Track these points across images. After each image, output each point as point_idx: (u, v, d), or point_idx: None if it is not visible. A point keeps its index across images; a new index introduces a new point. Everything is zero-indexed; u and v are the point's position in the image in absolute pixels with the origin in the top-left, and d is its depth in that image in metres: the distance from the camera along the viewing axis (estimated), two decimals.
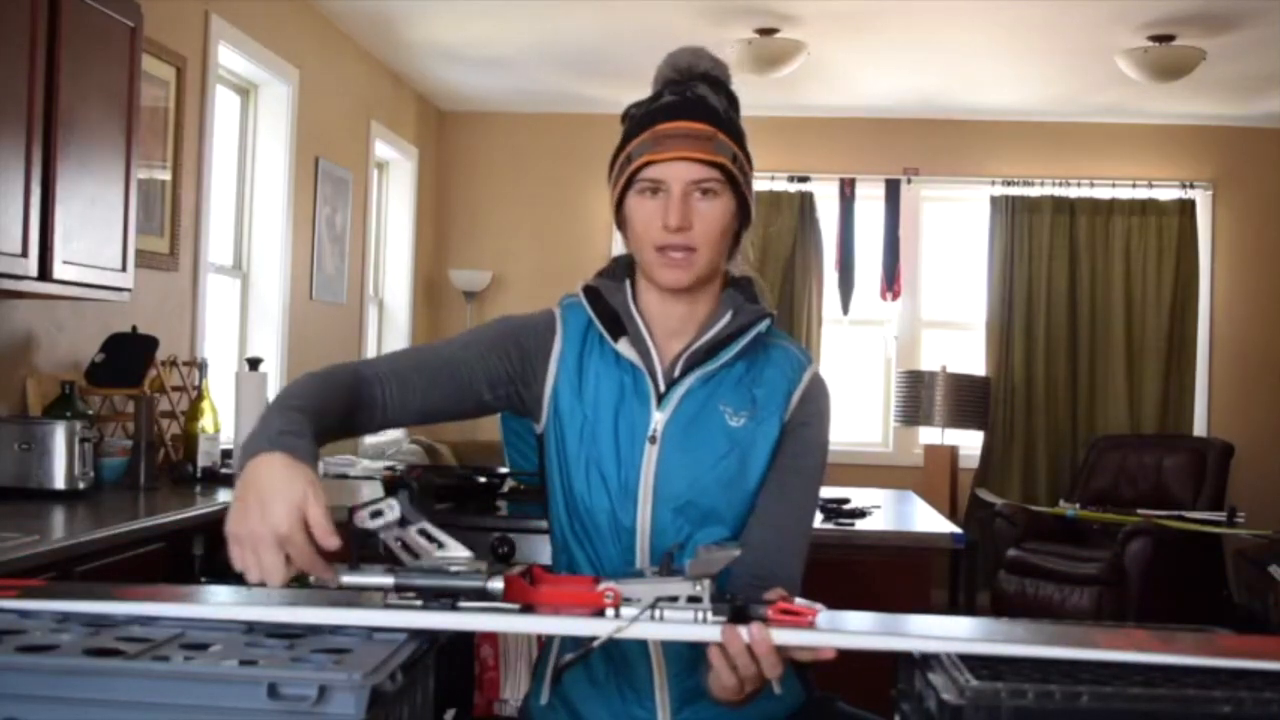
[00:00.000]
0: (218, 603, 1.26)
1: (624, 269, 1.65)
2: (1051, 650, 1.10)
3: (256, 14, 4.51)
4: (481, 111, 6.90)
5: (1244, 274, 6.64)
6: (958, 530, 2.98)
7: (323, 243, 5.22)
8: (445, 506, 2.98)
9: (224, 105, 4.48)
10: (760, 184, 6.45)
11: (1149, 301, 6.56)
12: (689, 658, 1.52)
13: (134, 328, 3.50)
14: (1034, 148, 6.69)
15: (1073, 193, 6.62)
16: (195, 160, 4.10)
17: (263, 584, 1.22)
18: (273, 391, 4.11)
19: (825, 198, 6.72)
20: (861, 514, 3.06)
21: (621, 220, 1.60)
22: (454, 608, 1.20)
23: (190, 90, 4.02)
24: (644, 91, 1.63)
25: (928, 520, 3.18)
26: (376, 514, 1.23)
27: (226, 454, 3.59)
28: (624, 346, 1.58)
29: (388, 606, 1.19)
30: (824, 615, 1.24)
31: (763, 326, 1.59)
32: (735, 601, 1.24)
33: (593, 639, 1.24)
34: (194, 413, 3.58)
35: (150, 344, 3.47)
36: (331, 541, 1.22)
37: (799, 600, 1.27)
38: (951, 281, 6.90)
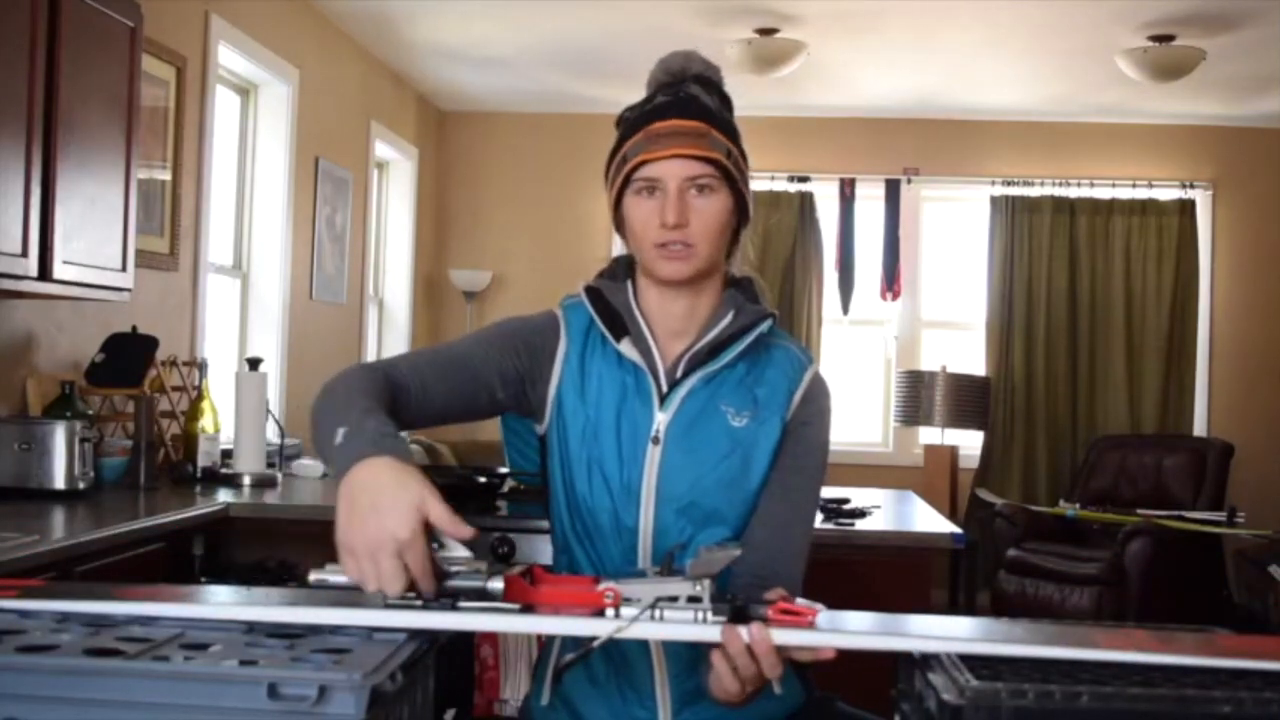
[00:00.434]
0: (218, 603, 1.25)
1: (625, 269, 1.65)
2: (1051, 650, 1.10)
3: (256, 14, 4.52)
4: (481, 111, 6.90)
5: (1244, 274, 6.64)
6: (958, 530, 2.98)
7: (323, 243, 5.22)
8: None
9: (224, 105, 4.48)
10: (760, 184, 6.48)
11: (1149, 301, 6.56)
12: (689, 658, 1.52)
13: (134, 328, 3.50)
14: (1034, 148, 6.69)
15: (1073, 193, 6.62)
16: (195, 160, 4.10)
17: (379, 594, 1.18)
18: (273, 391, 4.11)
19: (825, 198, 6.72)
20: (861, 514, 3.06)
21: (620, 222, 1.61)
22: (454, 608, 1.20)
23: (190, 90, 4.02)
24: (644, 92, 1.63)
25: (928, 520, 3.18)
26: None
27: (226, 454, 3.59)
28: (626, 347, 1.58)
29: (388, 606, 1.19)
30: (824, 615, 1.24)
31: (765, 327, 1.60)
32: (735, 601, 1.24)
33: (593, 639, 1.24)
34: (194, 413, 3.59)
35: (150, 344, 3.47)
36: (465, 531, 1.20)
37: (799, 600, 1.27)
38: (951, 281, 6.90)
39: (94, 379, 3.35)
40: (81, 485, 2.97)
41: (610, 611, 1.23)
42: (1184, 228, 6.57)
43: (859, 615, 1.25)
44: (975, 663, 1.07)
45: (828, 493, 3.12)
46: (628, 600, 1.23)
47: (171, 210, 3.93)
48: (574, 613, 1.26)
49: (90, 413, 3.21)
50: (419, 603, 1.20)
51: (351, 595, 1.22)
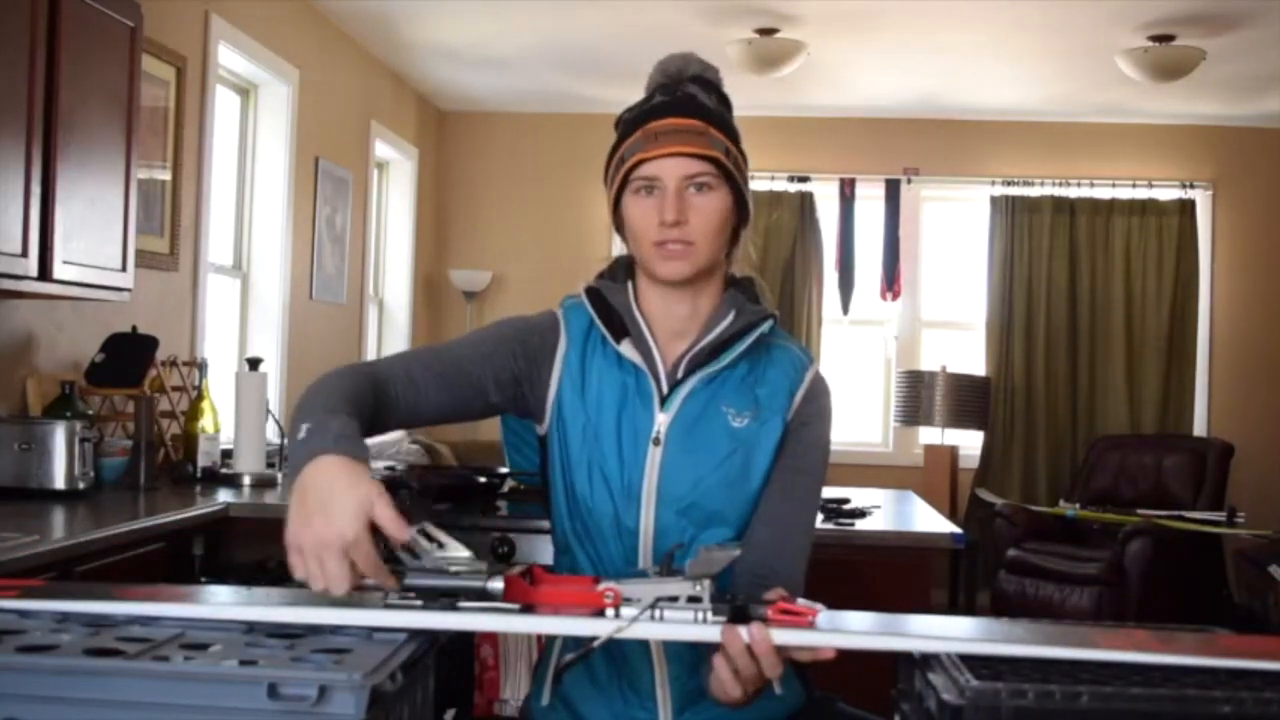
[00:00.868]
0: (218, 603, 1.26)
1: (625, 270, 1.65)
2: (1051, 650, 1.10)
3: (256, 14, 4.52)
4: (481, 111, 6.90)
5: (1244, 274, 6.64)
6: (958, 530, 2.98)
7: (323, 243, 5.22)
8: (445, 506, 2.98)
9: (224, 105, 4.48)
10: (760, 184, 6.48)
11: (1149, 301, 6.56)
12: (690, 659, 1.52)
13: (134, 328, 3.50)
14: (1034, 148, 6.69)
15: (1073, 193, 6.62)
16: (195, 160, 4.10)
17: (325, 592, 1.19)
18: (273, 391, 4.11)
19: (825, 198, 6.72)
20: (861, 514, 3.06)
21: (619, 222, 1.61)
22: (454, 608, 1.20)
23: (190, 90, 4.02)
24: (644, 93, 1.63)
25: (928, 520, 3.17)
26: None
27: (226, 454, 3.58)
28: (626, 348, 1.58)
29: (388, 606, 1.19)
30: (824, 615, 1.24)
31: (765, 327, 1.59)
32: (735, 601, 1.24)
33: (593, 639, 1.24)
34: (194, 413, 3.59)
35: (150, 344, 3.46)
36: (406, 534, 1.20)
37: (800, 600, 1.27)
38: (951, 281, 6.90)
39: (94, 379, 3.35)
40: (81, 485, 2.97)
41: (610, 611, 1.23)
42: (1184, 228, 6.56)
43: (859, 615, 1.26)
44: (975, 663, 1.07)
45: (828, 493, 3.11)
46: (628, 600, 1.23)
47: (171, 210, 3.93)
48: (574, 613, 1.26)
49: (90, 413, 3.21)
50: (419, 603, 1.20)
51: (351, 595, 1.22)
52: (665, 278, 1.56)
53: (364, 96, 5.73)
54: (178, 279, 3.99)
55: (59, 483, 2.93)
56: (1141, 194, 6.61)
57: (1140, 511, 5.60)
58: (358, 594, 1.21)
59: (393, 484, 3.10)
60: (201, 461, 3.49)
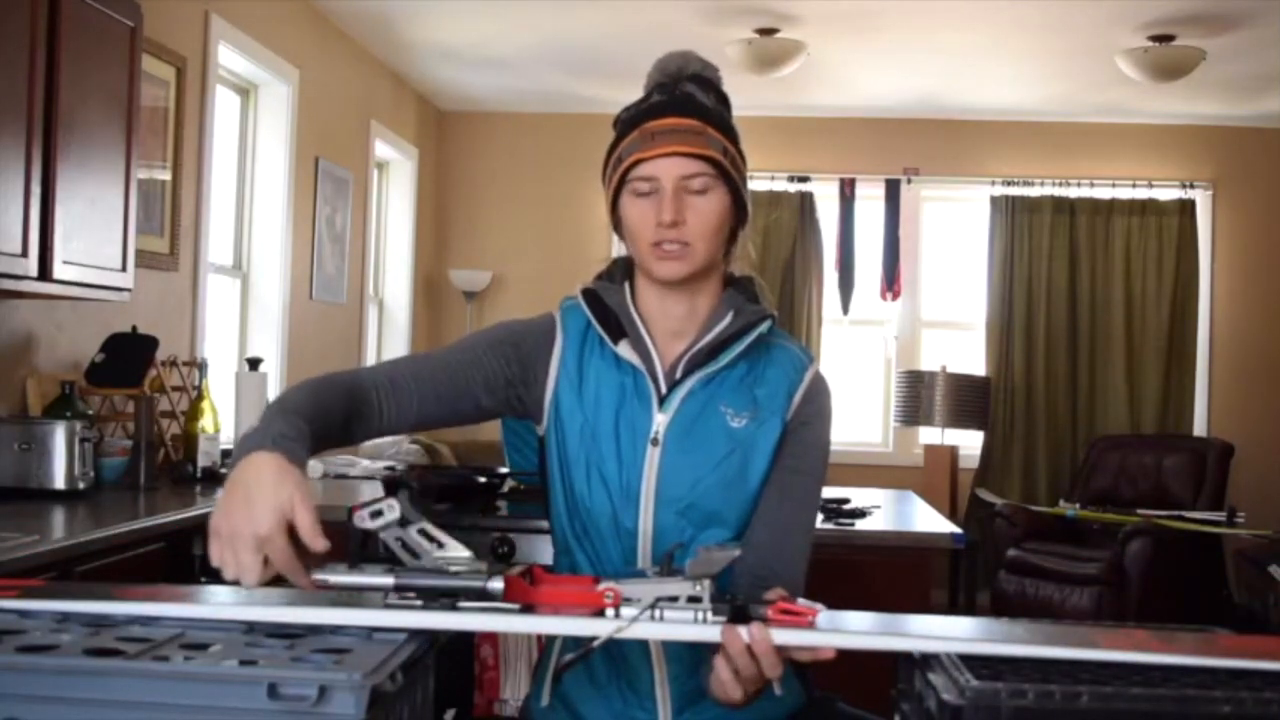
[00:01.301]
0: (218, 603, 1.25)
1: (623, 271, 1.65)
2: (1051, 650, 1.10)
3: (256, 14, 4.52)
4: (481, 111, 6.90)
5: (1244, 274, 6.64)
6: (958, 530, 2.98)
7: (323, 243, 5.22)
8: (445, 506, 2.98)
9: (224, 105, 4.48)
10: (760, 184, 6.48)
11: (1149, 301, 6.56)
12: (690, 659, 1.52)
13: (134, 328, 3.50)
14: (1034, 148, 6.69)
15: (1073, 193, 6.62)
16: (195, 160, 4.10)
17: (236, 582, 1.22)
18: (273, 392, 4.11)
19: (825, 198, 6.72)
20: (861, 514, 3.06)
21: (617, 222, 1.60)
22: (454, 608, 1.20)
23: (190, 90, 4.02)
24: (644, 92, 1.63)
25: (928, 520, 3.18)
26: (376, 514, 1.23)
27: (226, 454, 3.58)
28: (624, 349, 1.58)
29: (388, 606, 1.19)
30: (824, 615, 1.24)
31: (764, 327, 1.59)
32: (735, 601, 1.24)
33: (593, 639, 1.24)
34: (194, 413, 3.59)
35: (150, 344, 3.46)
36: (320, 543, 1.22)
37: (800, 600, 1.27)
38: (951, 281, 6.90)
39: (94, 379, 3.35)
40: (81, 485, 2.97)
41: (610, 611, 1.23)
42: (1184, 228, 6.56)
43: (859, 615, 1.25)
44: (975, 663, 1.07)
45: (828, 493, 3.11)
46: (628, 600, 1.23)
47: (171, 210, 3.93)
48: (574, 613, 1.26)
49: (90, 413, 3.21)
50: (419, 603, 1.20)
51: (351, 595, 1.22)
52: (662, 278, 1.56)
53: (364, 96, 5.73)
54: (178, 279, 3.99)
55: (59, 483, 2.93)
56: (1141, 194, 6.61)
57: (1140, 511, 5.60)
58: (357, 594, 1.22)
59: (393, 484, 3.11)
60: (201, 461, 3.49)
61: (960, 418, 6.15)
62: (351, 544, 1.23)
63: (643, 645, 1.55)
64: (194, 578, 2.83)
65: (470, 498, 3.07)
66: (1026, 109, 6.50)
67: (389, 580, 1.20)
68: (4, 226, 2.60)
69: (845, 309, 6.70)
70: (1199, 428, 6.55)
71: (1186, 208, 6.58)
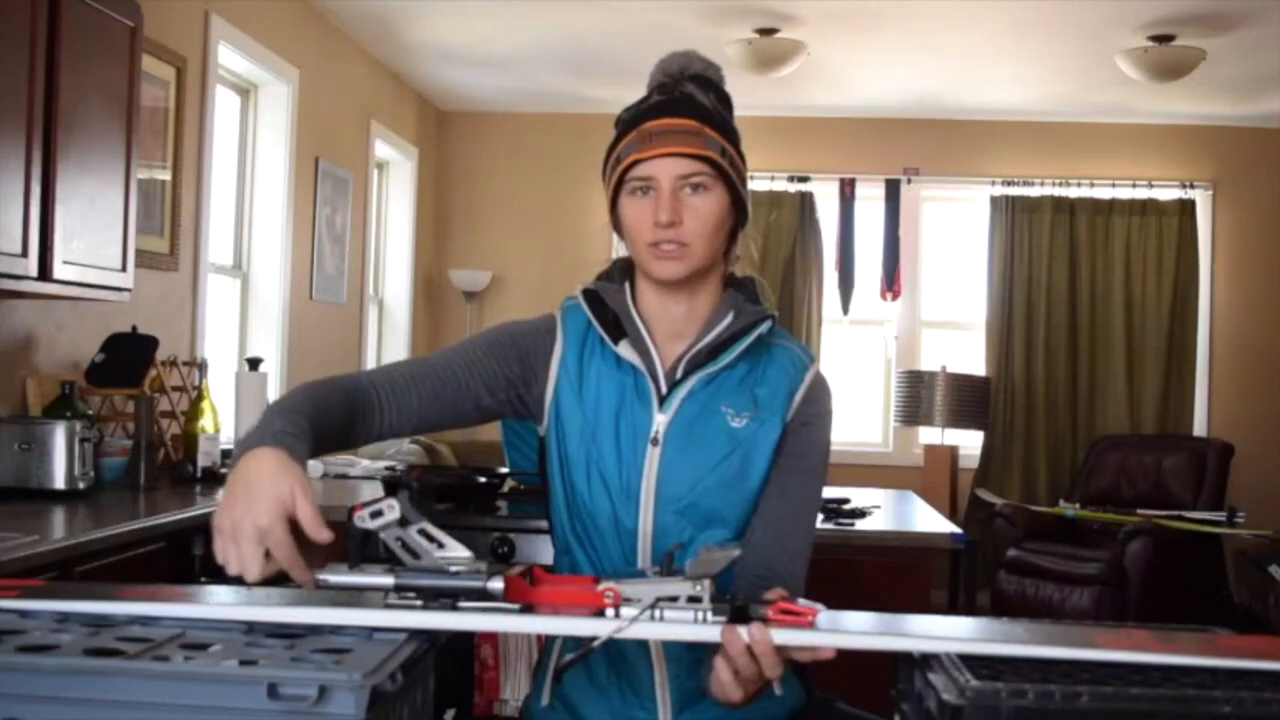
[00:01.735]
0: (218, 603, 1.25)
1: (623, 271, 1.65)
2: (1051, 650, 1.10)
3: (256, 14, 4.52)
4: (481, 111, 6.90)
5: (1244, 274, 6.64)
6: (958, 530, 2.98)
7: (323, 243, 5.22)
8: (445, 506, 2.98)
9: (224, 105, 4.48)
10: (760, 184, 6.48)
11: (1149, 301, 6.56)
12: (690, 659, 1.52)
13: (134, 328, 3.50)
14: (1034, 148, 6.69)
15: (1073, 193, 6.62)
16: (195, 160, 4.10)
17: (239, 579, 1.22)
18: (273, 391, 4.12)
19: (825, 198, 6.72)
20: (861, 514, 3.06)
21: (617, 223, 1.60)
22: (454, 608, 1.20)
23: (190, 90, 4.02)
24: (645, 92, 1.63)
25: (928, 520, 3.17)
26: (376, 514, 1.23)
27: (226, 454, 3.58)
28: (624, 349, 1.58)
29: (388, 606, 1.19)
30: (824, 615, 1.24)
31: (765, 328, 1.59)
32: (735, 601, 1.24)
33: (593, 639, 1.24)
34: (194, 413, 3.58)
35: (150, 344, 3.47)
36: (323, 534, 1.22)
37: (800, 600, 1.27)
38: (951, 281, 6.90)
39: (94, 379, 3.35)
40: (81, 485, 2.97)
41: (610, 611, 1.23)
42: (1184, 228, 6.56)
43: (859, 615, 1.25)
44: (975, 663, 1.07)
45: (828, 493, 3.10)
46: (628, 600, 1.23)
47: (171, 210, 3.93)
48: (574, 613, 1.26)
49: (90, 413, 3.21)
50: (419, 603, 1.20)
51: (351, 595, 1.22)
52: (660, 278, 1.56)
53: (364, 96, 5.73)
54: (178, 279, 3.99)
55: (59, 483, 2.93)
56: (1141, 194, 6.61)
57: (1140, 511, 5.60)
58: (357, 594, 1.22)
59: (393, 484, 3.11)
60: (201, 461, 3.49)
61: (960, 418, 6.15)
62: (351, 544, 1.23)
63: (643, 645, 1.55)
64: (194, 578, 2.83)
65: (470, 498, 3.07)
66: (1026, 109, 6.50)
67: (389, 580, 1.20)
68: (4, 226, 2.60)
69: (845, 309, 6.70)
70: (1199, 428, 6.55)
71: (1186, 208, 6.58)
